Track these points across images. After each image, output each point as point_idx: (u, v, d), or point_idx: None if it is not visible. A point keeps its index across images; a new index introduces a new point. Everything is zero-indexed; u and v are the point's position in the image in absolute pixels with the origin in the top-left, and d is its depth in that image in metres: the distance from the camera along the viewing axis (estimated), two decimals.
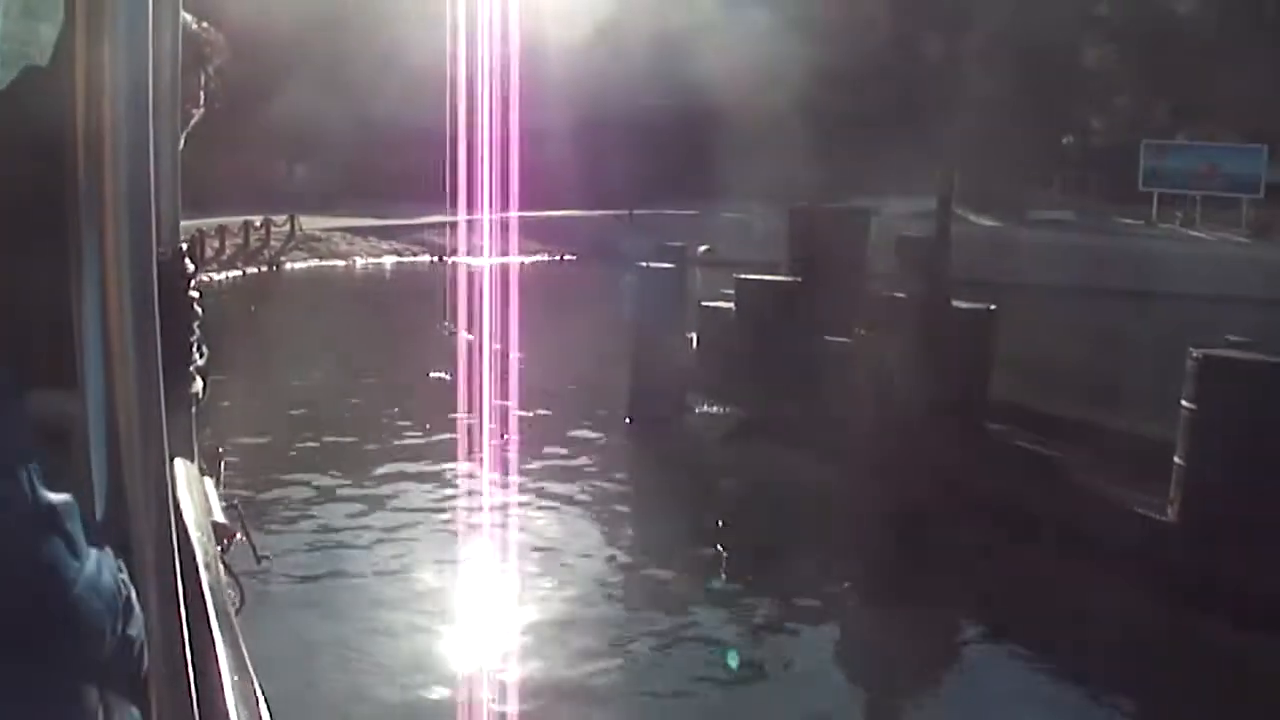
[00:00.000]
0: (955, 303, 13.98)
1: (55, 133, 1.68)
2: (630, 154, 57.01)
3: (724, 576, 11.84)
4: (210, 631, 1.93)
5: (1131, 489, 11.41)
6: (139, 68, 1.66)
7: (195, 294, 2.53)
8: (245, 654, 1.97)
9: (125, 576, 1.40)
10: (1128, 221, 77.18)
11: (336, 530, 12.43)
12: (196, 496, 2.50)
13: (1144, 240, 70.95)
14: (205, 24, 2.66)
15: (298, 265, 44.52)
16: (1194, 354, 10.34)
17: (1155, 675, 9.94)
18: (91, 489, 1.60)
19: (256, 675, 1.91)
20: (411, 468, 14.76)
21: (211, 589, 2.05)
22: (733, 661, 9.81)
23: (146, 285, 1.67)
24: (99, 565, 1.32)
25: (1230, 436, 10.01)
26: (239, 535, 2.67)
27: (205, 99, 2.71)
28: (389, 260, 48.30)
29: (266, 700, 1.86)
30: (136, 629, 1.40)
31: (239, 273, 39.52)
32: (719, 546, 12.62)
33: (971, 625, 11.22)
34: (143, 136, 1.68)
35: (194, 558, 2.07)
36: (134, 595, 1.41)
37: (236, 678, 1.86)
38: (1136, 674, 10.00)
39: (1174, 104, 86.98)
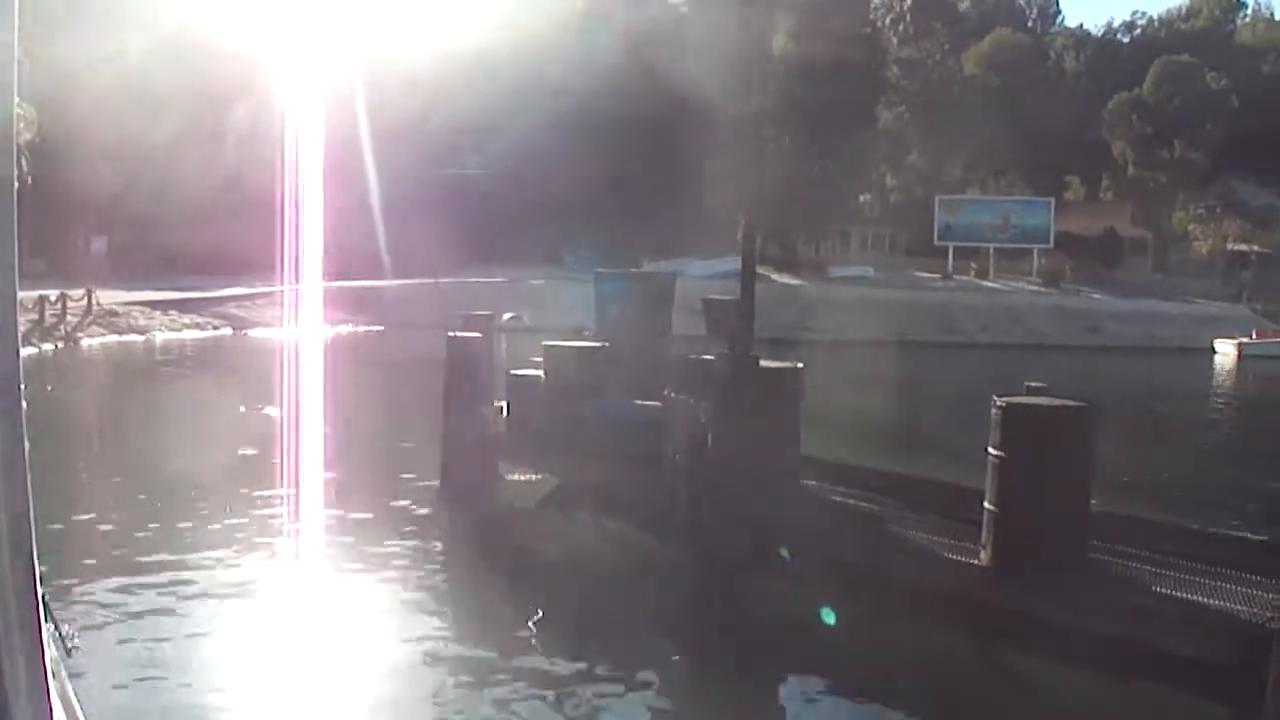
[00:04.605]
0: (763, 362, 14.06)
1: None
2: (437, 223, 56.79)
3: (534, 645, 11.64)
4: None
5: (944, 535, 11.55)
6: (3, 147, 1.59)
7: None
8: None
9: None
10: (924, 275, 79.57)
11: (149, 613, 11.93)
12: None
13: (941, 292, 73.18)
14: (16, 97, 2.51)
15: (95, 341, 43.25)
16: (997, 402, 10.53)
17: (967, 710, 10.16)
18: None
19: None
20: (208, 547, 14.28)
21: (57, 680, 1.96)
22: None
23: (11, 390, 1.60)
24: None
25: (1035, 480, 10.20)
26: (47, 624, 2.51)
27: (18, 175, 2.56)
28: (190, 334, 47.21)
29: None
30: None
31: (34, 349, 38.16)
32: (529, 617, 12.39)
33: (791, 677, 11.22)
34: (7, 219, 1.60)
35: None
36: None
37: None
38: (949, 709, 10.20)
39: (965, 160, 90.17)
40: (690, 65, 67.63)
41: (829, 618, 10.70)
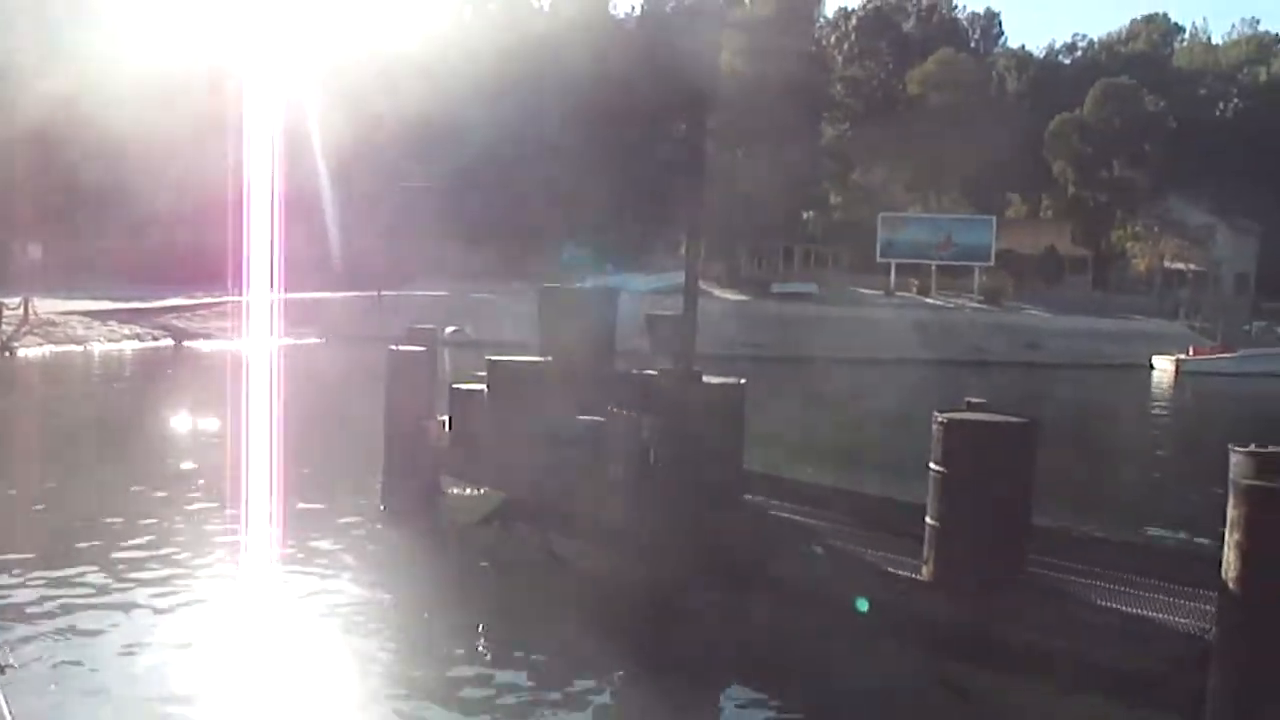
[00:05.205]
0: (706, 377, 14.06)
1: None
2: (381, 234, 56.51)
3: (484, 663, 11.56)
4: None
5: (886, 550, 11.58)
6: None
7: None
8: None
9: None
10: (867, 291, 79.95)
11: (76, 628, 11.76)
12: None
13: (883, 309, 73.51)
14: None
15: (31, 351, 42.69)
16: (938, 418, 10.57)
17: None
18: None
19: None
20: (145, 563, 14.07)
21: None
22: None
23: None
24: None
25: (976, 495, 10.25)
26: None
27: None
28: (129, 345, 46.59)
29: None
30: None
31: None
32: (471, 632, 12.32)
33: (736, 691, 11.20)
34: None
35: None
36: None
37: None
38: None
39: (907, 178, 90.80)
40: (639, 82, 67.76)
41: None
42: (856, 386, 40.89)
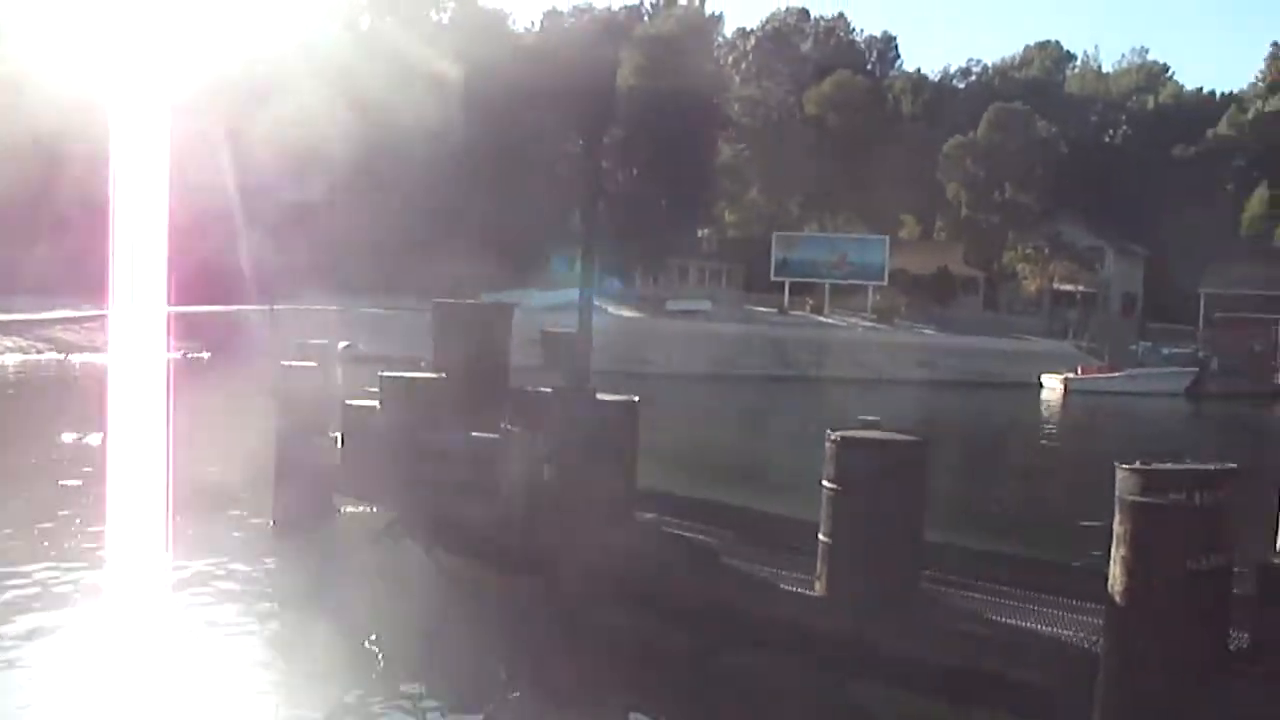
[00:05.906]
0: (600, 394, 14.00)
1: None
2: (272, 247, 55.61)
3: (375, 683, 11.39)
4: None
5: (780, 567, 11.58)
6: None
7: None
8: None
9: None
10: (761, 309, 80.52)
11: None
12: None
13: (777, 327, 74.05)
14: None
15: None
16: (831, 435, 10.60)
17: None
18: None
19: None
20: (21, 586, 13.70)
21: None
22: None
23: None
24: None
25: (869, 512, 10.29)
26: None
27: None
28: (12, 358, 45.54)
29: None
30: None
31: None
32: (362, 652, 12.15)
33: (628, 708, 11.13)
34: None
35: None
36: None
37: None
38: None
39: (803, 198, 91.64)
40: (537, 97, 67.66)
41: None
42: (750, 404, 41.11)
